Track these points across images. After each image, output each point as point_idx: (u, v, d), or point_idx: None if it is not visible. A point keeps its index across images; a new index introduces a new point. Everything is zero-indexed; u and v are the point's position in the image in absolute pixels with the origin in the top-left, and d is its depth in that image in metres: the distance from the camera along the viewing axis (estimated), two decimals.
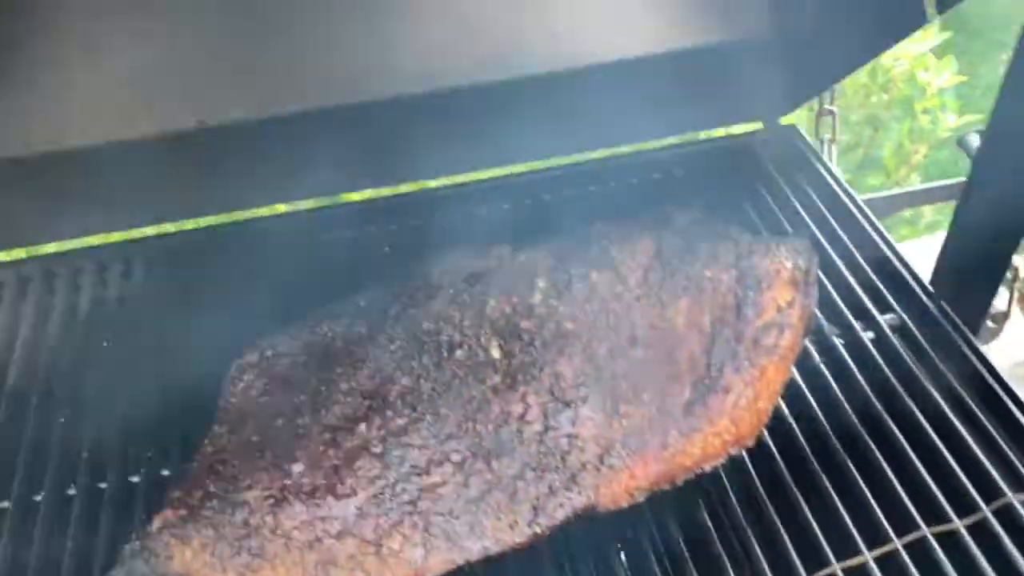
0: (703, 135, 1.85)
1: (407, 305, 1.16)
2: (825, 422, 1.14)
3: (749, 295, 1.08)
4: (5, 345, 1.34)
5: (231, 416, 1.12)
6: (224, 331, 1.33)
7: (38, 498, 1.15)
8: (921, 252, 1.42)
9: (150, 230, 1.93)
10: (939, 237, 1.30)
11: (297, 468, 1.00)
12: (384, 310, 1.18)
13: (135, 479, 1.17)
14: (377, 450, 1.01)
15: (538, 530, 0.96)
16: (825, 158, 1.58)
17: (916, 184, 2.68)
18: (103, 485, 1.16)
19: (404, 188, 1.78)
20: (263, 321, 1.34)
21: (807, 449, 1.11)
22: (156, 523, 0.99)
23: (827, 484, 1.07)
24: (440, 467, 1.00)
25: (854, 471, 1.08)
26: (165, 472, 1.17)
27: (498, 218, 1.51)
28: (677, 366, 1.05)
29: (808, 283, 1.12)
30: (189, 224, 1.54)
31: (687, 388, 1.04)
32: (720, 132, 1.72)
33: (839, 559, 0.99)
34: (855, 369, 1.21)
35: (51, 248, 1.52)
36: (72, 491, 1.16)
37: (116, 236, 1.51)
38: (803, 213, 1.45)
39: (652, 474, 1.01)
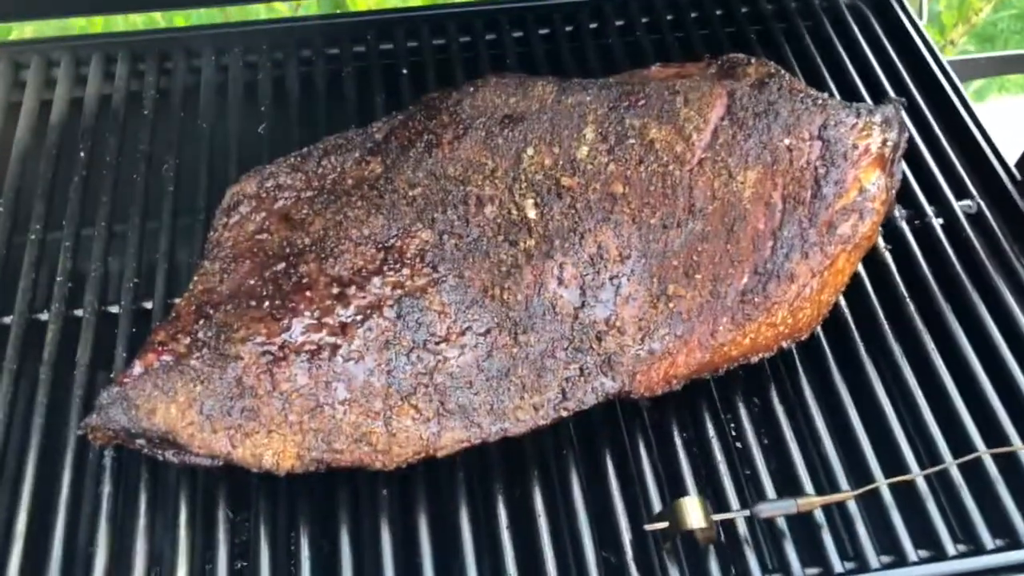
0: None
1: (431, 144, 1.01)
2: (883, 317, 1.03)
3: (831, 172, 0.93)
4: None
5: (223, 253, 0.99)
6: (220, 153, 1.19)
7: (7, 320, 1.04)
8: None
9: (140, 21, 1.72)
10: None
11: (299, 323, 0.88)
12: (403, 147, 1.02)
13: (115, 309, 1.05)
14: (391, 311, 0.89)
15: (564, 414, 0.87)
16: (908, 5, 1.38)
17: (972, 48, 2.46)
18: (79, 312, 1.04)
19: None
20: (258, 144, 1.19)
21: (861, 347, 1.01)
22: (137, 367, 0.89)
23: (879, 390, 0.97)
24: (461, 336, 0.88)
25: (910, 376, 0.98)
26: (148, 305, 1.05)
27: (536, 46, 1.32)
28: (738, 245, 0.92)
29: (895, 162, 0.98)
30: (179, 19, 1.35)
31: (746, 272, 0.91)
32: None
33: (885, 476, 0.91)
34: (921, 260, 1.08)
35: (27, 32, 1.33)
36: (44, 316, 1.04)
37: (100, 24, 1.31)
38: (878, 71, 1.28)
39: (695, 363, 0.90)
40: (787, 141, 0.95)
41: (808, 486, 0.90)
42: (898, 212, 1.12)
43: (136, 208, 1.12)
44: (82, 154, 1.17)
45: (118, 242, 1.11)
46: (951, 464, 0.90)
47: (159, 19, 1.95)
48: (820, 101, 0.98)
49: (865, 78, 1.27)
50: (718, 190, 0.94)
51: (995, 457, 0.91)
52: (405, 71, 1.29)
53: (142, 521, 0.89)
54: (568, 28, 1.35)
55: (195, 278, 0.98)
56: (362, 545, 0.89)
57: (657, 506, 0.89)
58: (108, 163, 1.17)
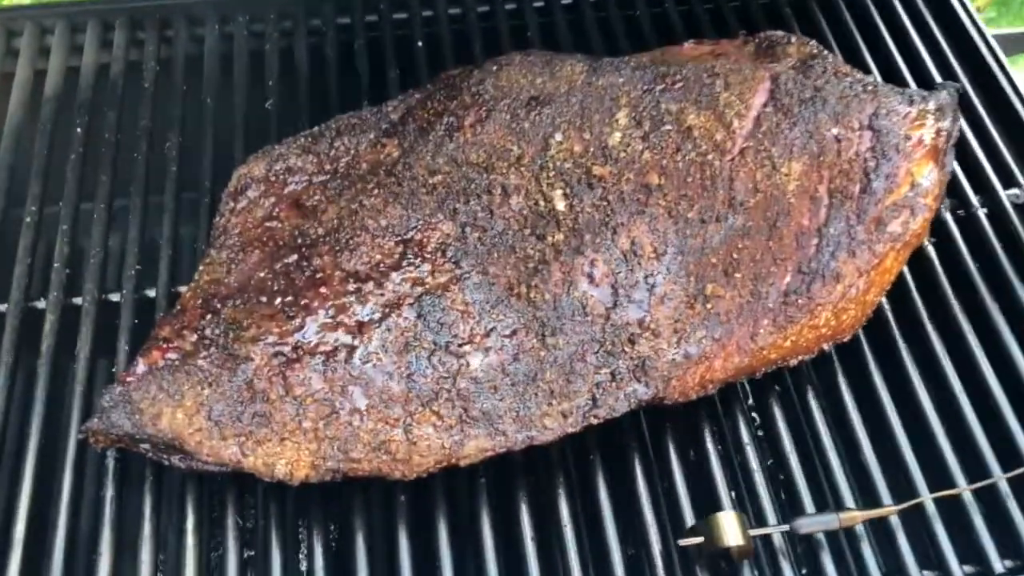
0: None
1: (452, 128, 0.94)
2: (926, 317, 0.97)
3: (882, 165, 0.87)
4: None
5: (231, 241, 0.93)
6: (225, 129, 1.12)
7: (2, 308, 0.98)
8: None
9: None
10: None
11: (313, 321, 0.83)
12: (421, 129, 0.96)
13: (115, 298, 1.00)
14: (411, 310, 0.83)
15: (594, 421, 0.82)
16: None
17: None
18: (78, 301, 0.99)
19: None
20: (265, 120, 1.12)
21: (900, 342, 0.95)
22: (140, 366, 0.83)
23: (921, 395, 0.92)
24: (485, 338, 0.83)
25: (954, 381, 0.93)
26: (151, 293, 1.00)
27: (559, 17, 1.24)
28: (781, 242, 0.86)
29: (947, 153, 0.91)
30: None
31: (789, 271, 0.86)
32: None
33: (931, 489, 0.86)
34: (966, 253, 1.03)
35: None
36: (41, 304, 0.99)
37: None
38: (921, 49, 1.21)
39: (732, 367, 0.85)
40: (835, 131, 0.88)
41: (847, 498, 0.86)
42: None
43: (137, 189, 1.06)
44: (79, 130, 1.11)
45: (118, 225, 1.05)
46: (1000, 478, 0.85)
47: None
48: (870, 87, 0.91)
49: (907, 56, 1.20)
50: (760, 182, 0.88)
51: None
52: (420, 43, 1.22)
53: (147, 527, 0.84)
54: None
55: (201, 268, 0.92)
56: (377, 556, 0.85)
57: (688, 516, 0.85)
58: (107, 140, 1.10)
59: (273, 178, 0.97)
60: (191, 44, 1.21)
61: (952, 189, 1.08)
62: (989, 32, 1.25)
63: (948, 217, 1.06)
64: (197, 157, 1.10)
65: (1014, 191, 1.09)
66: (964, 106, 1.15)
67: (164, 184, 1.07)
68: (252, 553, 0.86)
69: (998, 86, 1.17)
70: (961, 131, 1.11)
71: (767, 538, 0.84)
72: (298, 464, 0.78)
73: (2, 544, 0.84)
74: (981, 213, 1.06)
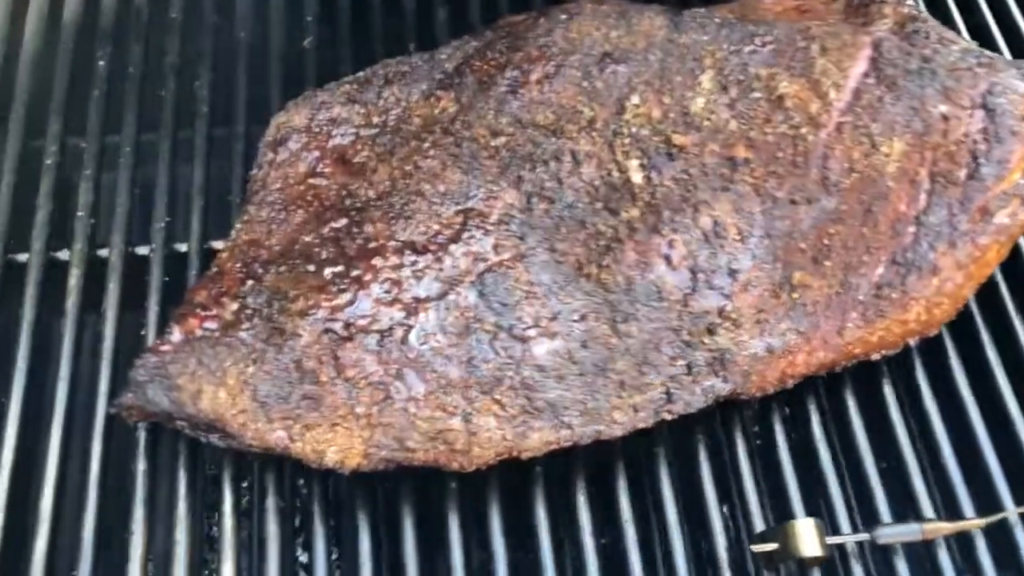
0: None
1: (516, 83, 0.86)
2: (1013, 310, 0.91)
3: (993, 149, 0.79)
4: None
5: (271, 197, 0.86)
6: (259, 68, 1.03)
7: (21, 259, 0.91)
8: None
9: None
10: None
11: (366, 296, 0.76)
12: (481, 83, 0.87)
13: (144, 251, 0.92)
14: (472, 288, 0.77)
15: (667, 417, 0.76)
16: None
17: None
18: (103, 253, 0.92)
19: None
20: (303, 61, 1.03)
21: (987, 345, 0.88)
22: (176, 334, 0.77)
23: (1008, 397, 0.86)
24: (552, 322, 0.76)
25: None
26: (182, 248, 0.93)
27: None
28: (875, 230, 0.79)
29: None
30: None
31: (882, 261, 0.79)
32: None
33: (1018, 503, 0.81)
34: None
35: None
36: (64, 256, 0.92)
37: None
38: (1016, 16, 1.11)
39: (815, 362, 0.79)
40: (943, 108, 0.80)
41: (926, 506, 0.81)
42: None
43: (165, 131, 0.98)
44: (101, 63, 1.02)
45: (146, 171, 0.97)
46: None
47: None
48: (984, 60, 0.83)
49: (999, 18, 1.11)
50: (857, 162, 0.80)
51: None
52: None
53: (182, 506, 0.79)
54: None
55: (238, 225, 0.85)
56: (426, 543, 0.80)
57: (757, 518, 0.80)
58: (131, 75, 1.01)
59: (316, 129, 0.89)
60: None
61: None
62: None
63: None
64: (229, 98, 1.01)
65: None
66: None
67: (194, 126, 0.99)
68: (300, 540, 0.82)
69: None
70: None
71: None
72: (350, 452, 0.72)
73: (30, 518, 0.78)
74: None
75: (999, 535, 0.80)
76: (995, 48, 1.07)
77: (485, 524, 0.79)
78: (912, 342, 0.83)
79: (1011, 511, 0.79)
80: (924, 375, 0.87)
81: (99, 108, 0.99)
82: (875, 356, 0.83)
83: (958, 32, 1.08)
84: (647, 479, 0.82)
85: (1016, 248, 0.93)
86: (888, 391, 0.86)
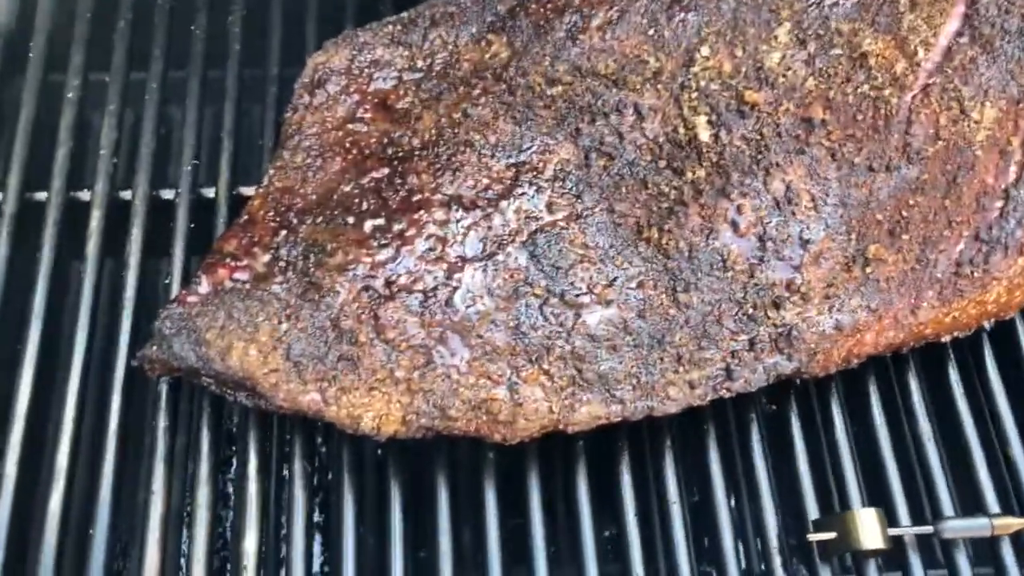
0: None
1: (575, 28, 0.79)
2: None
3: None
4: None
5: (307, 143, 0.80)
6: (295, 3, 0.97)
7: (40, 197, 0.86)
8: None
9: None
10: None
11: (409, 252, 0.71)
12: (537, 27, 0.81)
13: (169, 195, 0.87)
14: (523, 249, 0.71)
15: (725, 395, 0.71)
16: None
17: None
18: (127, 195, 0.87)
19: None
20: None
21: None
22: (204, 284, 0.72)
23: None
24: (608, 288, 0.71)
25: None
26: (210, 193, 0.87)
27: None
28: (959, 202, 0.73)
29: None
30: None
31: (964, 236, 0.73)
32: None
33: None
34: None
35: None
36: (86, 196, 0.86)
37: None
38: None
39: (884, 341, 0.74)
40: None
41: (991, 500, 0.76)
42: None
43: (194, 68, 0.92)
44: None
45: (173, 111, 0.91)
46: None
47: None
48: None
49: None
50: (944, 128, 0.74)
51: None
52: None
53: (204, 467, 0.75)
54: None
55: (271, 171, 0.79)
56: (461, 515, 0.76)
57: (811, 506, 0.75)
58: (160, 7, 0.95)
59: (356, 71, 0.83)
60: None
61: None
62: None
63: None
64: (263, 34, 0.95)
65: None
66: None
67: (226, 64, 0.93)
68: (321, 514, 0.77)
69: None
70: None
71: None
72: (387, 418, 0.68)
73: (44, 474, 0.74)
74: None
75: None
76: None
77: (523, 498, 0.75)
78: (986, 324, 0.78)
79: None
80: (993, 362, 0.81)
81: (124, 41, 0.93)
82: (945, 338, 0.77)
83: None
84: (692, 458, 0.78)
85: None
86: (954, 377, 0.81)
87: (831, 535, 0.71)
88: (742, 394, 0.73)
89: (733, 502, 0.79)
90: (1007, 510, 0.75)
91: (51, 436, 0.76)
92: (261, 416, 0.76)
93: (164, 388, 0.77)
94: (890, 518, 0.74)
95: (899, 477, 0.77)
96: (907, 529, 0.72)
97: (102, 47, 0.93)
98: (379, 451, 0.77)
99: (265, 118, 0.90)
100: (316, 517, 0.83)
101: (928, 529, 0.72)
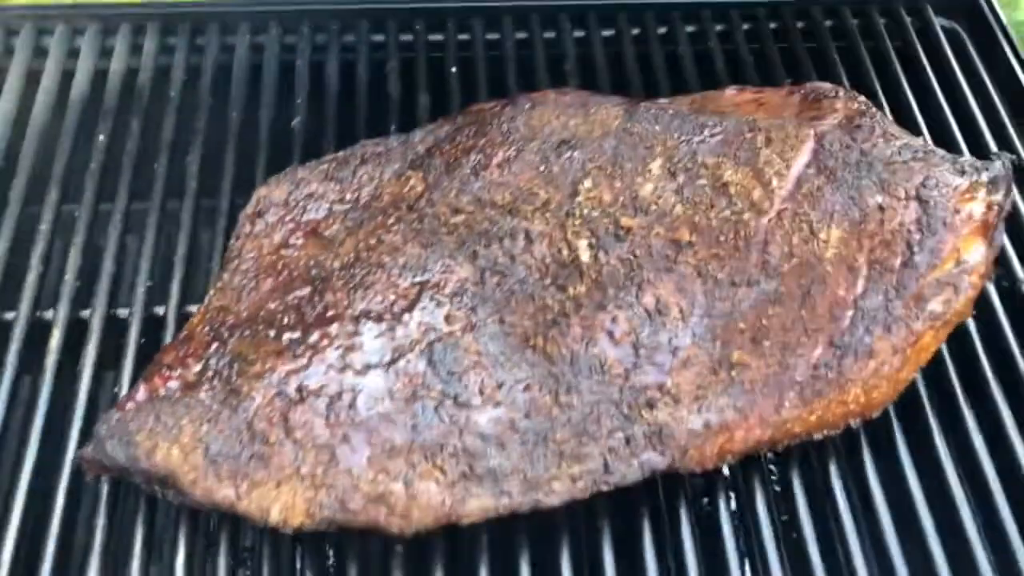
0: None
1: (479, 166, 0.91)
2: (961, 393, 0.93)
3: (927, 239, 0.83)
4: None
5: (244, 266, 0.91)
6: (249, 145, 1.10)
7: (8, 316, 0.96)
8: None
9: None
10: None
11: (320, 361, 0.80)
12: (448, 165, 0.93)
13: (123, 313, 0.97)
14: (422, 356, 0.80)
15: (604, 488, 0.78)
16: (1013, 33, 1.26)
17: None
18: (85, 314, 0.97)
19: None
20: (290, 139, 1.10)
21: (932, 417, 0.91)
22: (141, 392, 0.81)
23: (952, 479, 0.87)
24: (497, 391, 0.79)
25: (985, 458, 0.88)
26: (160, 311, 0.97)
27: (598, 48, 1.21)
28: (813, 312, 0.82)
29: (997, 227, 0.87)
30: None
31: (820, 343, 0.82)
32: None
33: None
34: (1008, 331, 0.97)
35: None
36: (49, 315, 0.97)
37: None
38: (974, 108, 1.16)
39: (753, 440, 0.81)
40: (879, 199, 0.84)
41: None
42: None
43: (154, 204, 1.04)
44: (101, 137, 1.09)
45: (133, 239, 1.03)
46: None
47: None
48: (920, 153, 0.87)
49: (957, 114, 1.16)
50: (796, 247, 0.84)
51: None
52: (454, 68, 1.19)
53: (135, 561, 0.82)
54: (634, 31, 1.24)
55: (211, 292, 0.90)
56: None
57: None
58: (128, 150, 1.08)
59: (293, 203, 0.95)
60: (221, 53, 1.19)
61: (1002, 262, 1.03)
62: None
63: (991, 288, 1.01)
64: (218, 172, 1.07)
65: None
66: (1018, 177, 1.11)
67: (183, 199, 1.05)
68: None
69: None
70: (1014, 202, 1.07)
71: None
72: (293, 511, 0.75)
73: None
74: None
75: None
76: (952, 142, 1.11)
77: None
78: (854, 423, 0.85)
79: None
80: (870, 455, 0.88)
81: (95, 179, 1.05)
82: (817, 436, 0.84)
83: (916, 126, 1.13)
84: (588, 552, 0.84)
85: (965, 331, 0.96)
86: (834, 472, 0.88)
87: None
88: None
89: None
90: None
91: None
92: (192, 512, 0.84)
93: (104, 487, 0.85)
94: None
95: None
96: None
97: (75, 183, 1.05)
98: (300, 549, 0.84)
99: (215, 245, 1.01)
100: None
101: None
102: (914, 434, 0.90)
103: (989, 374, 0.93)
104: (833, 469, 0.88)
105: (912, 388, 0.91)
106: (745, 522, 0.86)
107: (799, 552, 0.84)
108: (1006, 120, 1.16)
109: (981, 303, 0.98)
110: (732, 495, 0.87)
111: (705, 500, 0.89)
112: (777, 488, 0.88)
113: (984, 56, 1.23)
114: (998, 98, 1.18)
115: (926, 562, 0.83)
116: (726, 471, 0.88)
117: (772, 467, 0.90)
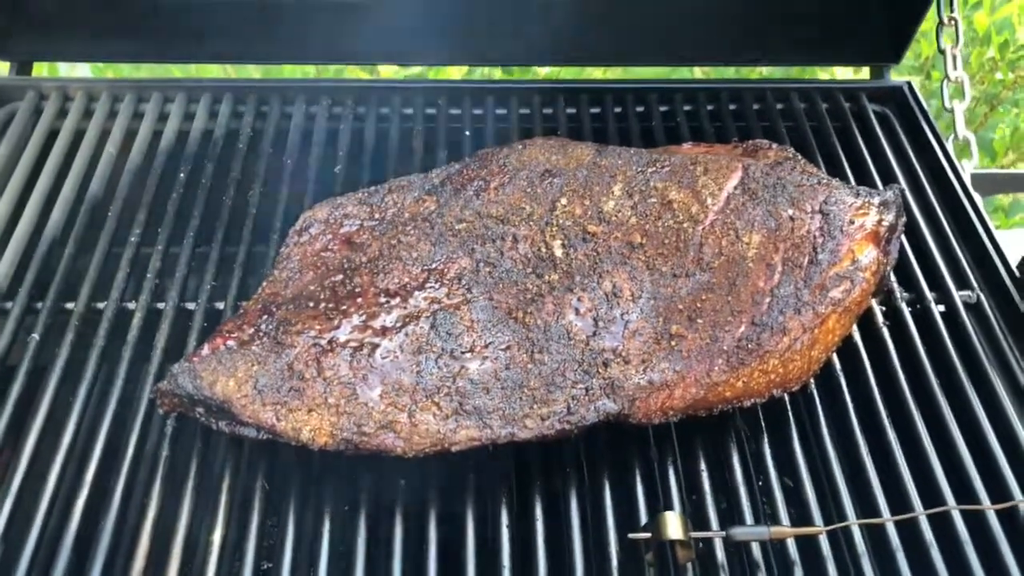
0: (806, 73, 1.77)
1: (480, 189, 1.16)
2: (875, 385, 1.12)
3: (828, 242, 1.04)
4: (91, 160, 1.38)
5: (291, 264, 1.14)
6: (299, 183, 1.36)
7: (100, 306, 1.20)
8: (1011, 242, 1.36)
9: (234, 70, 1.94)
10: None
11: (347, 323, 1.02)
12: (456, 190, 1.17)
13: (191, 306, 1.21)
14: (427, 321, 1.02)
15: (567, 427, 0.97)
16: (934, 118, 1.51)
17: None
18: (161, 306, 1.20)
19: (499, 74, 1.74)
20: (332, 181, 1.36)
21: (850, 408, 1.10)
22: (205, 349, 1.03)
23: (862, 450, 1.05)
24: (484, 349, 1.01)
25: (893, 440, 1.06)
26: (220, 305, 1.21)
27: (586, 123, 1.48)
28: (738, 298, 1.03)
29: (890, 241, 1.09)
30: (274, 71, 1.55)
31: (743, 323, 1.02)
32: (824, 75, 1.65)
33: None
34: (917, 340, 1.17)
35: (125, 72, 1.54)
36: (132, 306, 1.20)
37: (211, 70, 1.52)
38: (898, 172, 1.40)
39: (690, 398, 1.00)
40: (791, 212, 1.07)
41: (816, 515, 0.99)
42: (900, 294, 1.21)
43: (221, 223, 1.29)
44: (181, 175, 1.36)
45: (203, 250, 1.27)
46: (921, 513, 0.97)
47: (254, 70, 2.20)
48: (825, 181, 1.10)
49: (884, 176, 1.39)
50: (725, 248, 1.06)
51: (963, 514, 0.98)
52: (468, 133, 1.46)
53: (191, 483, 1.02)
54: (616, 109, 1.51)
55: (264, 284, 1.13)
56: (378, 532, 1.00)
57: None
58: (202, 184, 1.35)
59: (332, 220, 1.19)
60: (281, 119, 1.47)
61: (912, 284, 1.24)
62: (959, 164, 1.43)
63: (905, 308, 1.21)
64: (273, 204, 1.33)
65: (966, 292, 1.24)
66: (930, 216, 1.33)
67: (244, 222, 1.30)
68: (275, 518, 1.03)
69: (960, 203, 1.35)
70: (923, 236, 1.29)
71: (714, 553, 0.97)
72: (320, 432, 0.95)
73: (76, 479, 1.02)
74: (935, 309, 1.22)
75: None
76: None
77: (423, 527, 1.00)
78: (777, 392, 1.04)
79: (853, 522, 0.97)
80: (823, 413, 1.08)
81: (175, 205, 1.31)
82: (747, 403, 1.04)
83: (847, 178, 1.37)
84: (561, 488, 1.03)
85: (880, 339, 1.16)
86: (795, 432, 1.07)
87: (647, 535, 0.94)
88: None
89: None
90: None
91: (81, 459, 1.04)
92: (237, 447, 1.04)
93: (169, 428, 1.06)
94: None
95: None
96: (705, 533, 0.95)
97: (159, 209, 1.31)
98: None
99: (268, 257, 1.25)
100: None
101: (720, 533, 0.95)
102: (834, 416, 1.09)
103: (902, 378, 1.13)
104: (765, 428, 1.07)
105: (837, 386, 1.11)
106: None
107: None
108: (926, 185, 1.39)
109: (897, 321, 1.19)
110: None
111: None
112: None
113: (910, 134, 1.48)
114: (920, 168, 1.42)
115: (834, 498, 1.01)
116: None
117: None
